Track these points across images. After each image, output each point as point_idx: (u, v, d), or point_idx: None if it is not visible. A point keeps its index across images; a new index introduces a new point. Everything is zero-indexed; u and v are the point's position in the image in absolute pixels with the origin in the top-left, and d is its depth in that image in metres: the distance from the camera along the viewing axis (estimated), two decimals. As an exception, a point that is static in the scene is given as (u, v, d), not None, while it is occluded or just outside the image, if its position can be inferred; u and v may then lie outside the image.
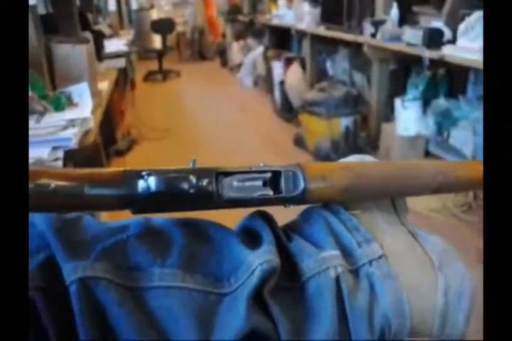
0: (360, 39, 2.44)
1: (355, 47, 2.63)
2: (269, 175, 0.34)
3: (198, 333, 0.29)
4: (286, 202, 0.35)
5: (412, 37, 1.93)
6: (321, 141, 2.56)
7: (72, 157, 1.02)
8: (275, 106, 3.69)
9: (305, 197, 0.34)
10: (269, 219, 0.36)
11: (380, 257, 0.33)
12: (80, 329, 0.28)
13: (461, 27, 1.66)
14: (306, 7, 3.21)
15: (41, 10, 1.24)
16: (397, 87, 2.47)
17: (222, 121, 3.57)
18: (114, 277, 0.30)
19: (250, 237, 0.35)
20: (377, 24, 2.29)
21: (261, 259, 0.31)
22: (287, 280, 0.33)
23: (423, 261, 0.34)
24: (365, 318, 0.31)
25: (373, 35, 2.31)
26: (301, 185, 0.34)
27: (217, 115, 3.77)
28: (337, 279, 0.32)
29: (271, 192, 0.34)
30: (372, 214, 0.37)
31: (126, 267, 0.31)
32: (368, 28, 2.35)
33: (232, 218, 0.40)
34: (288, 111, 3.39)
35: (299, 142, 2.81)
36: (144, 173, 0.32)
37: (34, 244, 0.32)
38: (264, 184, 0.34)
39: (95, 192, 0.31)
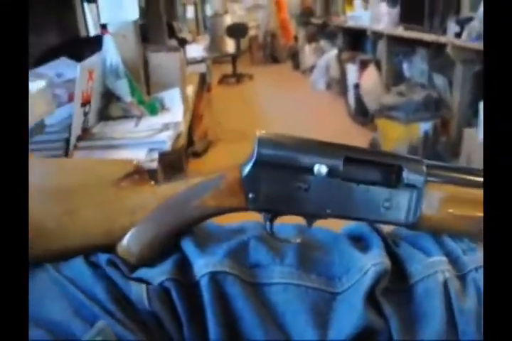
0: (443, 39, 2.33)
1: (435, 48, 2.52)
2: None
3: (316, 328, 0.32)
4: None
5: (503, 36, 1.81)
6: (398, 146, 2.48)
7: (162, 159, 1.09)
8: (349, 110, 3.64)
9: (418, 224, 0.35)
10: (375, 227, 0.38)
11: None
12: (209, 317, 0.32)
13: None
14: (384, 7, 3.13)
15: (139, 21, 1.35)
16: (482, 90, 2.33)
17: (296, 124, 3.58)
18: (239, 273, 0.33)
19: (359, 242, 0.37)
20: (463, 22, 2.17)
21: (373, 261, 0.33)
22: (396, 283, 0.34)
23: None
24: (474, 322, 0.32)
25: (458, 35, 2.20)
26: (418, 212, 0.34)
27: (290, 118, 3.79)
28: (445, 283, 0.33)
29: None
30: None
31: (249, 265, 0.34)
32: (452, 26, 2.24)
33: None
34: (363, 115, 3.33)
35: (374, 147, 2.75)
36: None
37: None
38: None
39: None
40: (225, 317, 0.32)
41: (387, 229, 0.40)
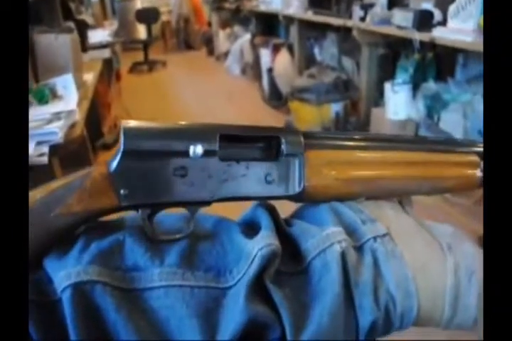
0: (349, 23, 2.41)
1: (344, 32, 2.59)
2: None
3: (204, 331, 0.28)
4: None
5: (402, 19, 1.91)
6: (311, 127, 2.54)
7: (57, 152, 0.99)
8: (264, 94, 3.66)
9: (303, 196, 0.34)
10: (269, 209, 0.36)
11: (384, 235, 0.33)
12: (72, 337, 0.27)
13: (452, 8, 1.64)
14: (293, -8, 3.15)
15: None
16: (387, 71, 2.45)
17: (211, 110, 3.54)
18: (110, 280, 0.29)
19: (251, 227, 0.35)
20: (367, 7, 2.26)
21: (260, 245, 0.30)
22: (290, 265, 0.32)
23: (431, 243, 0.34)
24: (369, 294, 0.30)
25: (362, 19, 2.28)
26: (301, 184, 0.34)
27: (205, 104, 3.73)
28: (342, 254, 0.31)
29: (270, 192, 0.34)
30: (377, 202, 0.37)
31: (125, 269, 0.30)
32: (357, 11, 2.32)
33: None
34: (277, 98, 3.36)
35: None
36: None
37: None
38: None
39: None
40: (92, 334, 0.27)
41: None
